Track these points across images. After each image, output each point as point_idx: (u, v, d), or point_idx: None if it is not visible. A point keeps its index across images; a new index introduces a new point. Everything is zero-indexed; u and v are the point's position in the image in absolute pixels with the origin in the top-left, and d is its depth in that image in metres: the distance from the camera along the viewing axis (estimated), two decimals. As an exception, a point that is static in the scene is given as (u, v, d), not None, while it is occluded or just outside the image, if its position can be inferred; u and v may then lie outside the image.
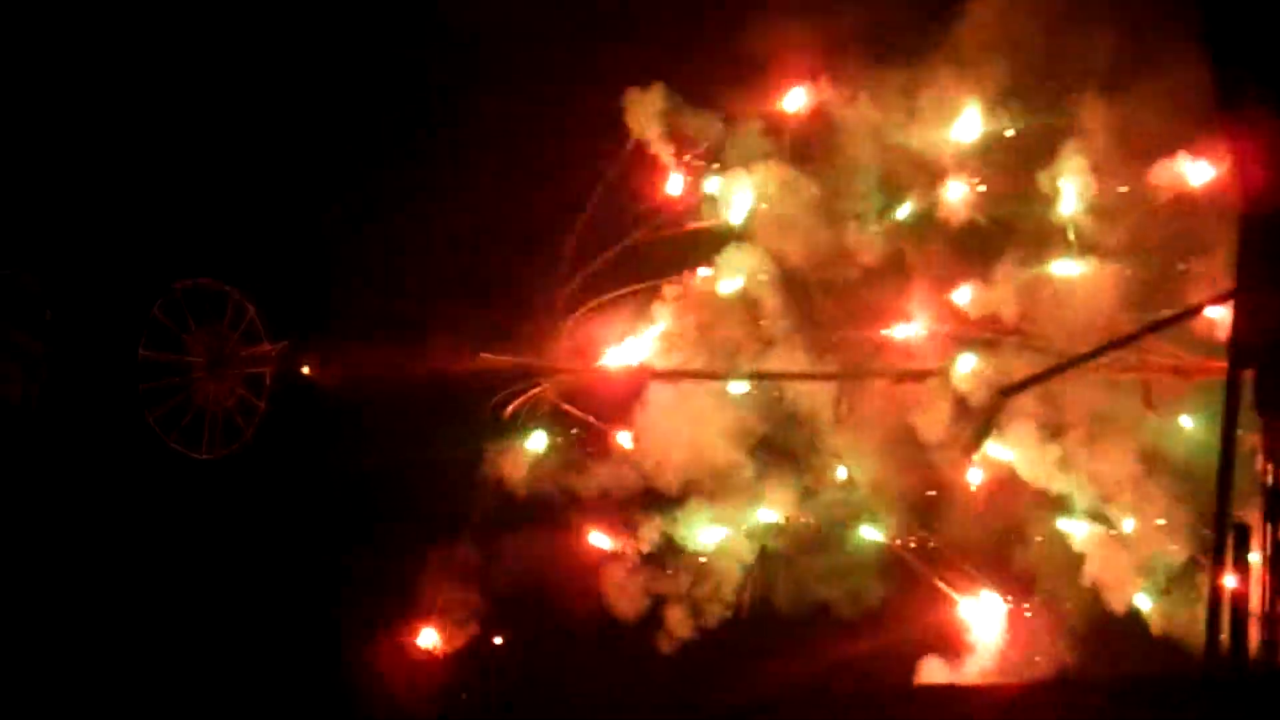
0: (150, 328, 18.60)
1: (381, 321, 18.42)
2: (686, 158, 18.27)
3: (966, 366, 17.42)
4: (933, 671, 17.47)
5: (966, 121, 17.55)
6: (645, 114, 17.92)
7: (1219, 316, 15.62)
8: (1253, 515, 12.85)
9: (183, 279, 18.60)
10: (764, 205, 18.00)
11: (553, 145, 18.30)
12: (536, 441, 18.56)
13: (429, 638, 18.68)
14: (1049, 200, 17.20)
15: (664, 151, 18.18)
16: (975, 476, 17.64)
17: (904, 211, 17.82)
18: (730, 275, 18.19)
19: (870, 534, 18.19)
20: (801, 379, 18.27)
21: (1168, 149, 16.71)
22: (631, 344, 18.43)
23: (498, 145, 18.39)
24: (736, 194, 18.09)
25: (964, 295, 17.64)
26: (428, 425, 18.22)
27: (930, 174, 17.75)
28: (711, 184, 18.27)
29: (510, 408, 18.37)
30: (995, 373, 17.20)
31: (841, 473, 18.11)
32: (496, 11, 17.76)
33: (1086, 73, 16.80)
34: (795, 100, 18.02)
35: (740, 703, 15.46)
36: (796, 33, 17.37)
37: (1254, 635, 12.43)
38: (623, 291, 18.28)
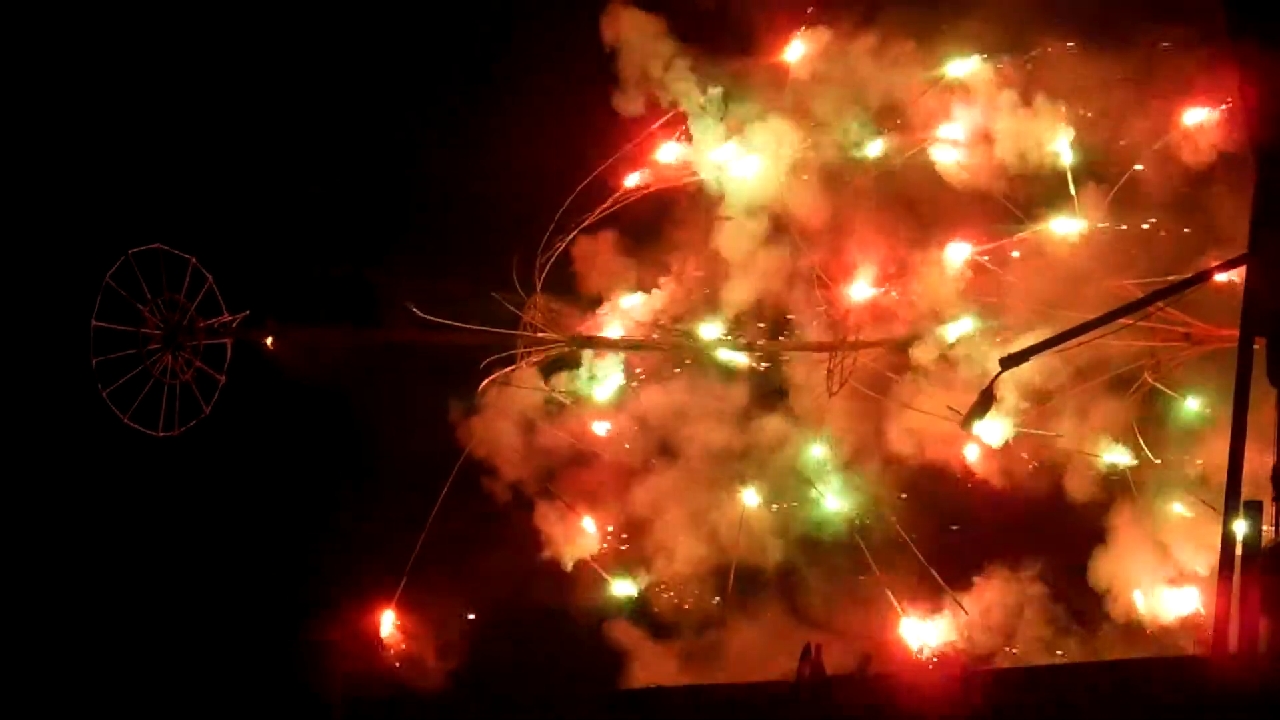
0: (103, 296, 17.81)
1: (348, 291, 17.89)
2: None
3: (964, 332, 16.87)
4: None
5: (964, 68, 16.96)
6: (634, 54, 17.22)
7: (1231, 281, 14.73)
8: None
9: (137, 245, 17.76)
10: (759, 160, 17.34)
11: (527, 111, 17.68)
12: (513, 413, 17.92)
13: (394, 618, 18.14)
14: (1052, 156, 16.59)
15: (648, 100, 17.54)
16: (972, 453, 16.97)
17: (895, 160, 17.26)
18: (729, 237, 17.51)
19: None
20: (792, 349, 17.70)
21: (1180, 106, 16.16)
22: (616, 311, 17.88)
23: (469, 110, 17.92)
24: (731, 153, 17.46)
25: (962, 254, 17.02)
26: (395, 398, 17.72)
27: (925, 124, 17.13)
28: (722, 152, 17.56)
29: (485, 381, 17.72)
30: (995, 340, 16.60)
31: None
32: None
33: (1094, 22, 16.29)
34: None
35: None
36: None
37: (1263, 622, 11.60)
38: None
